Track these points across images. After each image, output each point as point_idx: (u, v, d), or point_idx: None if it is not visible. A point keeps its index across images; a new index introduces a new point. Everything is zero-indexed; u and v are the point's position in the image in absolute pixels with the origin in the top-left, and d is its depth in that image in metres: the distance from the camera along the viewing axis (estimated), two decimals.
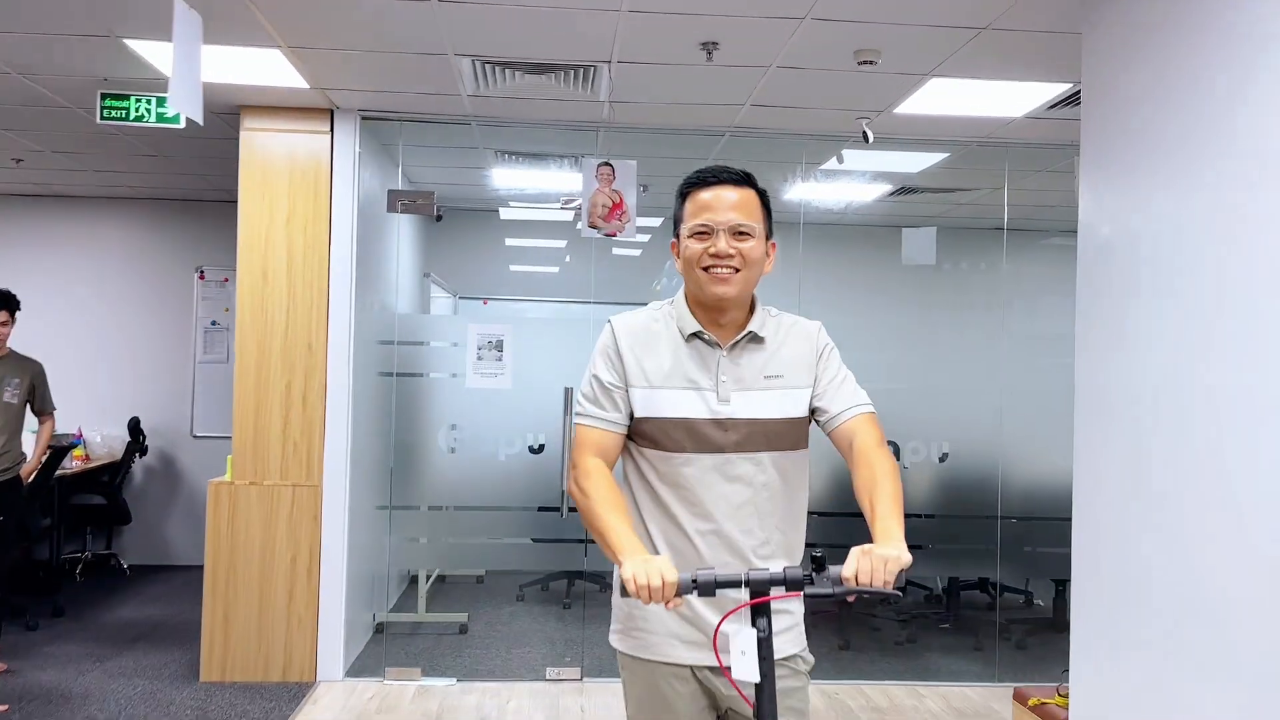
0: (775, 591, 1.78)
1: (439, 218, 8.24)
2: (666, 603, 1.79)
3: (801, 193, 6.42)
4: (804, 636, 2.28)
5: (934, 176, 6.50)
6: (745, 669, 1.78)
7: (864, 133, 5.32)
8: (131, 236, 8.49)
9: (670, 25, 4.11)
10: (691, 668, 2.15)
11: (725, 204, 2.09)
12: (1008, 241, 6.11)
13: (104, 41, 4.45)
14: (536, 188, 7.26)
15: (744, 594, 1.80)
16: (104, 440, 8.09)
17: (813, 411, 2.19)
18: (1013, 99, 4.98)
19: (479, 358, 5.55)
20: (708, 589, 1.81)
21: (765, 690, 1.81)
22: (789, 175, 6.22)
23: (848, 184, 6.79)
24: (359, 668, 5.65)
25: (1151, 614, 2.80)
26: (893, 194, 6.99)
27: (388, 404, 5.80)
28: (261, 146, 5.48)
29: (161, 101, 5.04)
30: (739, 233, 2.08)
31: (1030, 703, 3.87)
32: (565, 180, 6.64)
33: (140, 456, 8.22)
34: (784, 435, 2.16)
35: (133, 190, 8.12)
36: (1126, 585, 2.95)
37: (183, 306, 8.39)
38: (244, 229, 5.47)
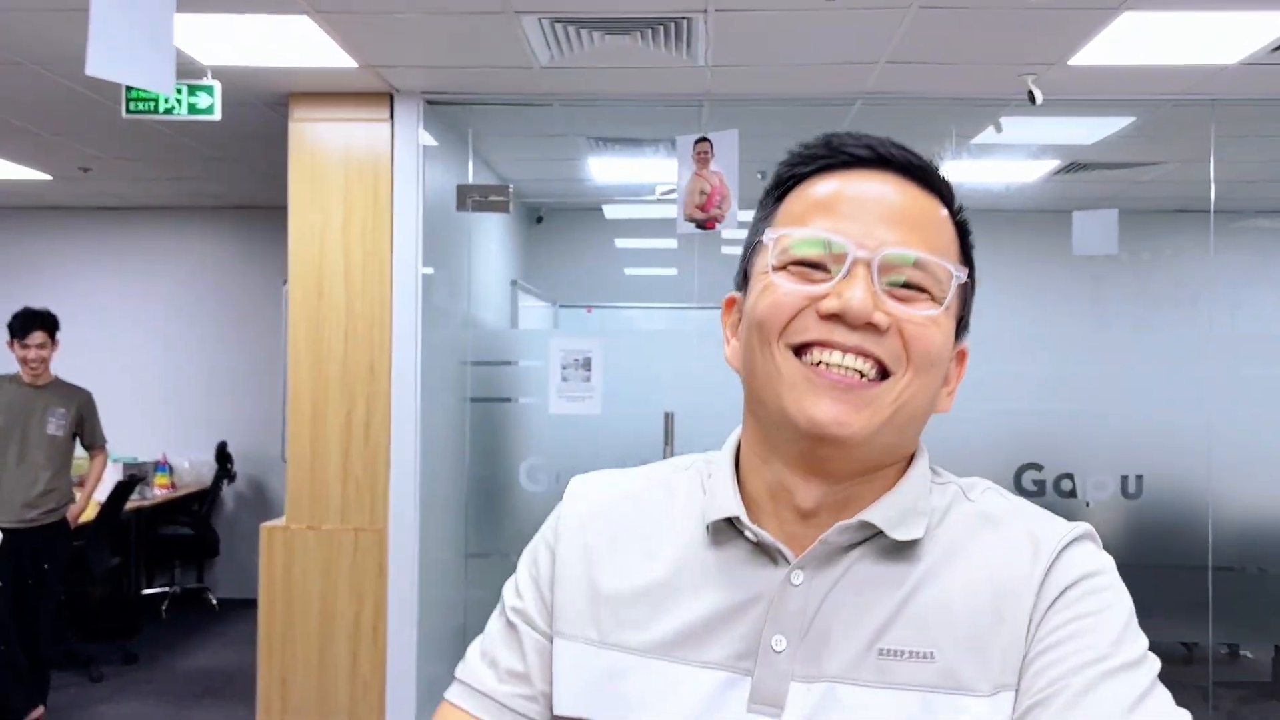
0: None
1: (539, 219, 7.57)
2: None
3: (952, 172, 5.42)
4: None
5: (1112, 148, 5.40)
6: None
7: (1030, 92, 4.33)
8: (215, 248, 8.07)
9: None
10: None
11: (880, 209, 0.95)
12: (1215, 225, 4.97)
13: None
14: (640, 179, 6.44)
15: None
16: (191, 466, 7.67)
17: None
18: (1229, 38, 3.91)
19: (563, 379, 4.73)
20: None
21: None
22: (937, 151, 5.23)
23: (1006, 161, 5.75)
24: None
25: None
26: (1060, 171, 5.90)
27: (467, 435, 5.06)
28: (312, 139, 4.81)
29: (194, 90, 4.41)
30: (904, 284, 0.93)
31: None
32: (669, 168, 5.81)
33: (229, 483, 7.78)
34: None
35: (215, 199, 7.68)
36: None
37: (271, 322, 7.86)
38: (295, 235, 4.81)
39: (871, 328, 0.88)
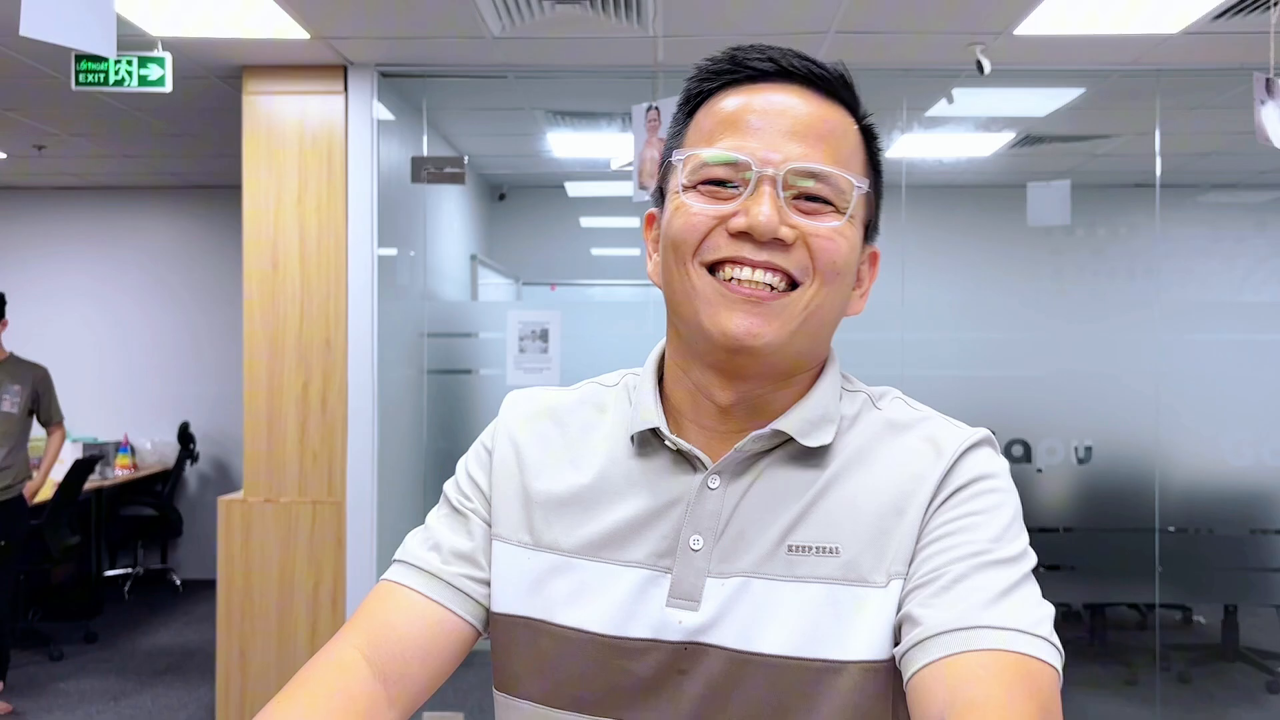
0: None
1: (502, 197, 7.57)
2: None
3: (906, 147, 5.46)
4: None
5: (1065, 120, 5.47)
6: None
7: (978, 61, 4.38)
8: (175, 228, 8.01)
9: None
10: None
11: (784, 122, 0.96)
12: (1160, 197, 5.04)
13: None
14: (600, 154, 6.44)
15: None
16: (154, 447, 7.66)
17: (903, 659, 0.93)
18: (1171, 7, 3.97)
19: (521, 350, 4.75)
20: None
21: None
22: (890, 123, 5.27)
23: (960, 134, 5.80)
24: None
25: None
26: (1016, 144, 5.97)
27: (425, 406, 5.07)
28: (266, 113, 4.79)
29: (144, 62, 4.38)
30: (809, 196, 0.95)
31: None
32: (626, 142, 5.82)
33: (192, 463, 7.75)
34: (823, 706, 0.93)
35: (174, 178, 7.63)
36: None
37: (233, 302, 7.82)
38: (249, 209, 4.81)
39: (778, 242, 0.92)
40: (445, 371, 5.10)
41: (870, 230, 1.03)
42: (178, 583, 7.64)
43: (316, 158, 4.78)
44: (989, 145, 6.04)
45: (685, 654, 0.94)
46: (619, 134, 5.86)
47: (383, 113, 4.89)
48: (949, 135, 5.80)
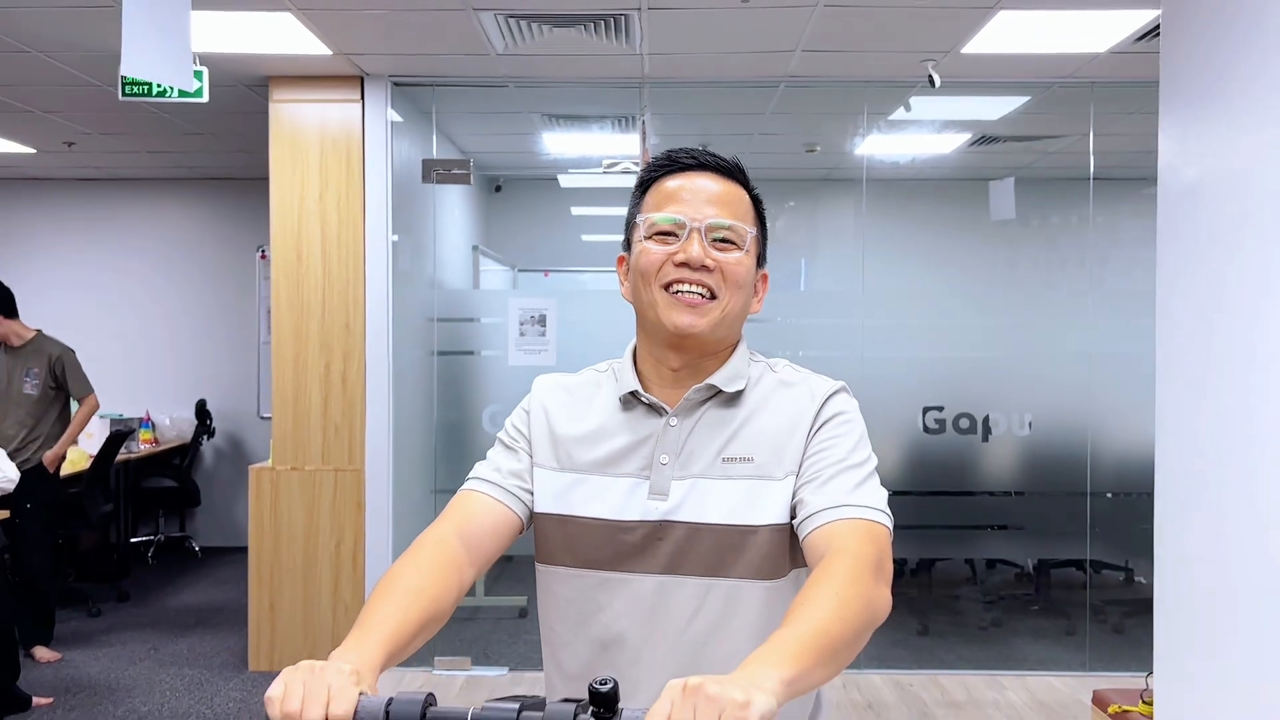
0: None
1: (498, 188, 8.05)
2: None
3: (867, 146, 5.97)
4: None
5: (1013, 124, 6.00)
6: None
7: (930, 76, 4.90)
8: (193, 217, 8.49)
9: None
10: None
11: (703, 195, 1.50)
12: (1095, 192, 5.56)
13: (115, 13, 4.27)
14: (590, 152, 6.94)
15: None
16: (173, 423, 8.13)
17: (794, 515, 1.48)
18: (1094, 31, 4.50)
19: (521, 333, 5.28)
20: None
21: None
22: (852, 128, 5.79)
23: (919, 135, 6.32)
24: (409, 659, 5.48)
25: (1246, 613, 2.39)
26: (971, 144, 6.49)
27: (435, 384, 5.59)
28: (290, 119, 5.29)
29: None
30: (720, 239, 1.48)
31: (1110, 709, 3.44)
32: (616, 142, 6.32)
33: (208, 439, 8.25)
34: (747, 554, 1.48)
35: (192, 170, 8.09)
36: (1218, 579, 2.53)
37: (246, 287, 8.33)
38: (276, 206, 5.30)
39: (704, 268, 1.45)
40: (452, 353, 5.63)
41: (760, 260, 1.56)
42: (196, 549, 8.16)
43: (336, 159, 5.28)
44: (946, 145, 6.54)
45: (660, 528, 1.48)
46: (609, 134, 6.36)
47: (394, 117, 5.39)
48: (909, 136, 6.30)
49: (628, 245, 1.57)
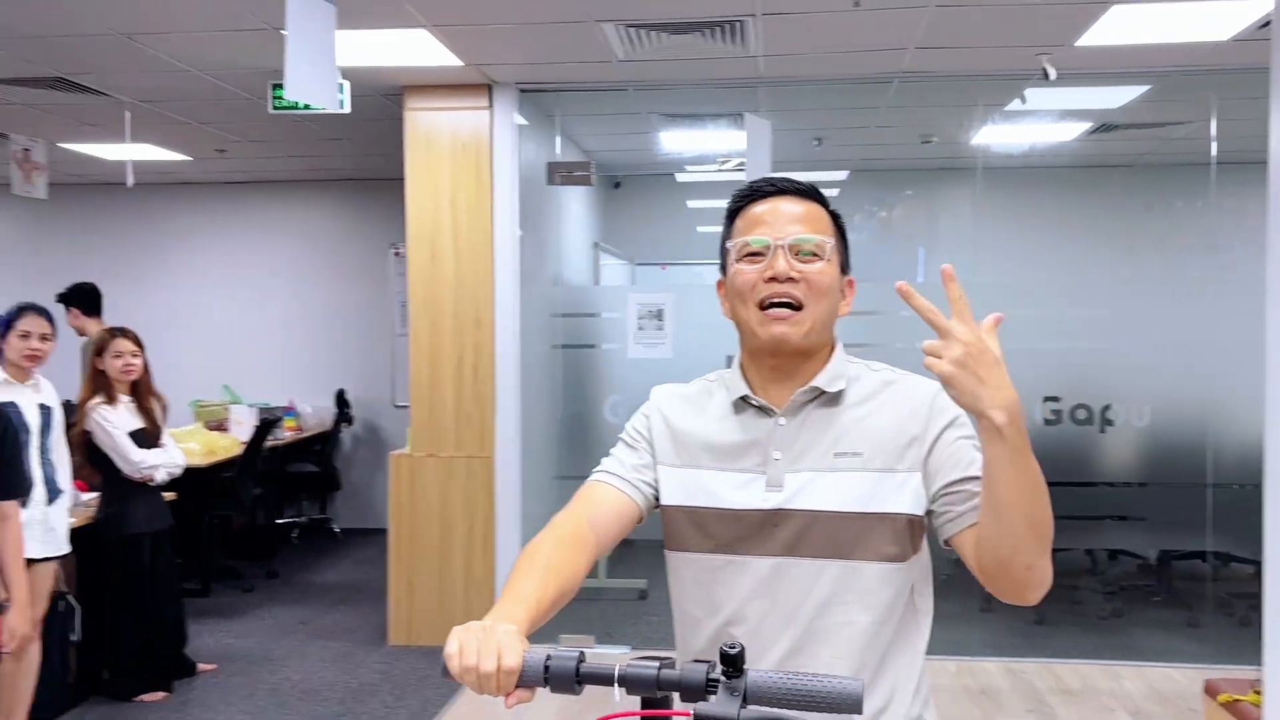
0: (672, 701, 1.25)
1: (617, 185, 8.24)
2: (506, 696, 1.28)
3: (981, 137, 5.97)
4: None
5: (1132, 112, 5.89)
6: None
7: (1044, 70, 4.88)
8: (332, 217, 8.94)
9: None
10: None
11: (785, 217, 1.64)
12: (1218, 177, 5.44)
13: (266, 35, 4.59)
14: (707, 149, 7.07)
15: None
16: (314, 411, 8.57)
17: (930, 513, 1.62)
18: (1215, 20, 4.41)
19: (639, 327, 5.46)
20: (564, 681, 1.27)
21: None
22: (966, 120, 5.79)
23: (1035, 125, 6.26)
24: (535, 635, 5.72)
25: None
26: (1090, 133, 6.39)
27: (559, 376, 5.82)
28: (424, 125, 5.57)
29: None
30: (805, 253, 1.62)
31: (1220, 699, 3.44)
32: (732, 138, 6.44)
33: (347, 426, 8.69)
34: (859, 539, 1.61)
35: (330, 173, 8.52)
36: None
37: (381, 283, 8.71)
38: (411, 209, 5.60)
39: (790, 280, 1.58)
40: (574, 346, 5.85)
41: (845, 268, 1.67)
42: (337, 530, 8.63)
43: (466, 163, 5.54)
44: (1063, 134, 6.45)
45: (776, 515, 1.60)
46: (725, 131, 6.48)
47: (520, 121, 5.62)
48: (1025, 126, 6.24)
49: (723, 269, 1.71)
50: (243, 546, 7.67)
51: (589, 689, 1.29)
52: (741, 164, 5.42)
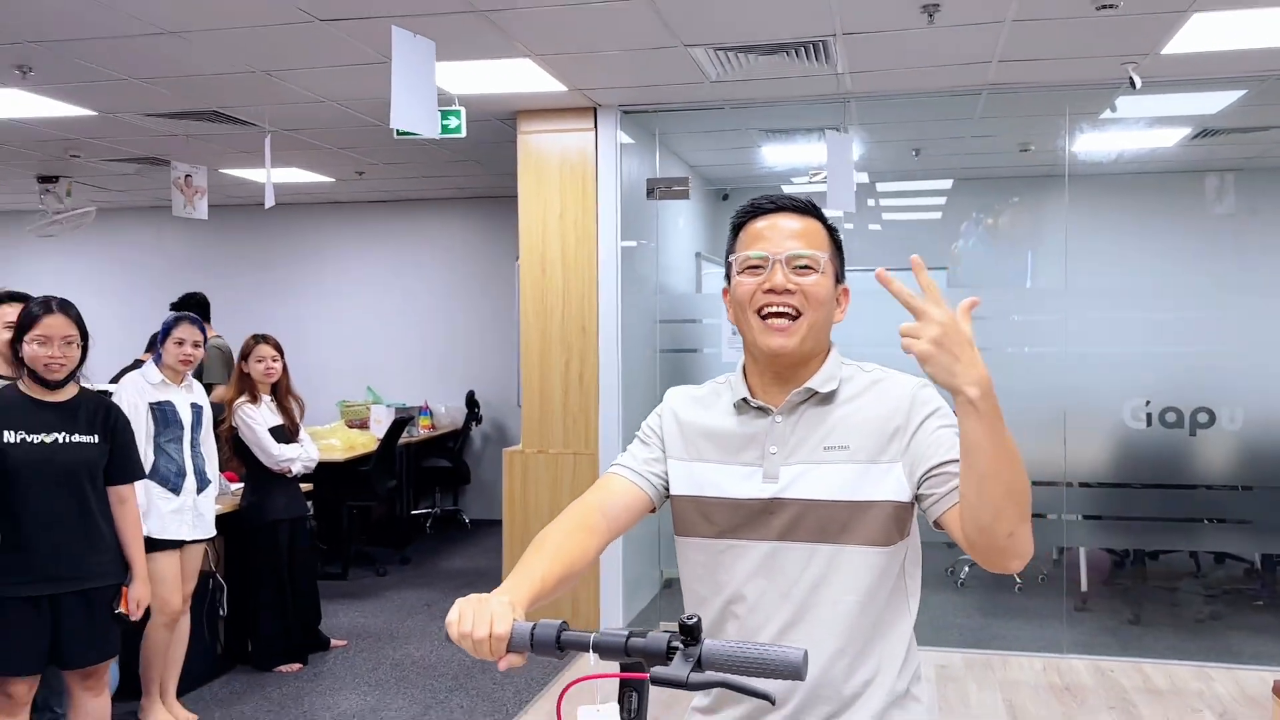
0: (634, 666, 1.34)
1: (725, 197, 8.39)
2: (498, 660, 1.39)
3: (1076, 144, 5.89)
4: None
5: (1231, 116, 5.71)
6: None
7: (1130, 78, 4.83)
8: (461, 231, 9.39)
9: None
10: None
11: (783, 232, 1.70)
12: None
13: (386, 67, 4.92)
14: (803, 161, 7.14)
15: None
16: (447, 411, 9.01)
17: (918, 498, 1.68)
18: None
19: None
20: (542, 647, 1.40)
21: None
22: (1060, 128, 5.73)
23: (1129, 131, 6.14)
24: (640, 620, 5.96)
25: None
26: (1191, 138, 6.23)
27: (659, 379, 6.02)
28: (535, 146, 5.87)
29: (446, 114, 5.49)
30: (800, 266, 1.67)
31: None
32: (818, 151, 6.52)
33: (477, 424, 9.10)
34: (847, 525, 1.68)
35: (459, 191, 8.95)
36: None
37: (507, 293, 9.05)
38: (523, 225, 5.91)
39: (787, 291, 1.66)
40: (674, 351, 6.05)
41: (839, 278, 1.72)
42: (467, 521, 9.06)
43: (573, 181, 5.81)
44: (1160, 140, 6.27)
45: (772, 504, 1.66)
46: (820, 144, 6.55)
47: (624, 138, 5.85)
48: (1118, 133, 6.10)
49: (728, 279, 1.77)
50: (380, 534, 8.15)
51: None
52: (815, 177, 5.52)
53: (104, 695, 3.76)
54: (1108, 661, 5.16)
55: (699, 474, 1.77)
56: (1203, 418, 5.31)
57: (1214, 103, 5.57)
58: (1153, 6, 4.06)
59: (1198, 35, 4.41)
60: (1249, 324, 5.39)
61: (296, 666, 5.25)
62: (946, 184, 7.89)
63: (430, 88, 3.81)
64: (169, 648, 4.49)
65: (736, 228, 1.77)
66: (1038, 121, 5.92)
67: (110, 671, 3.93)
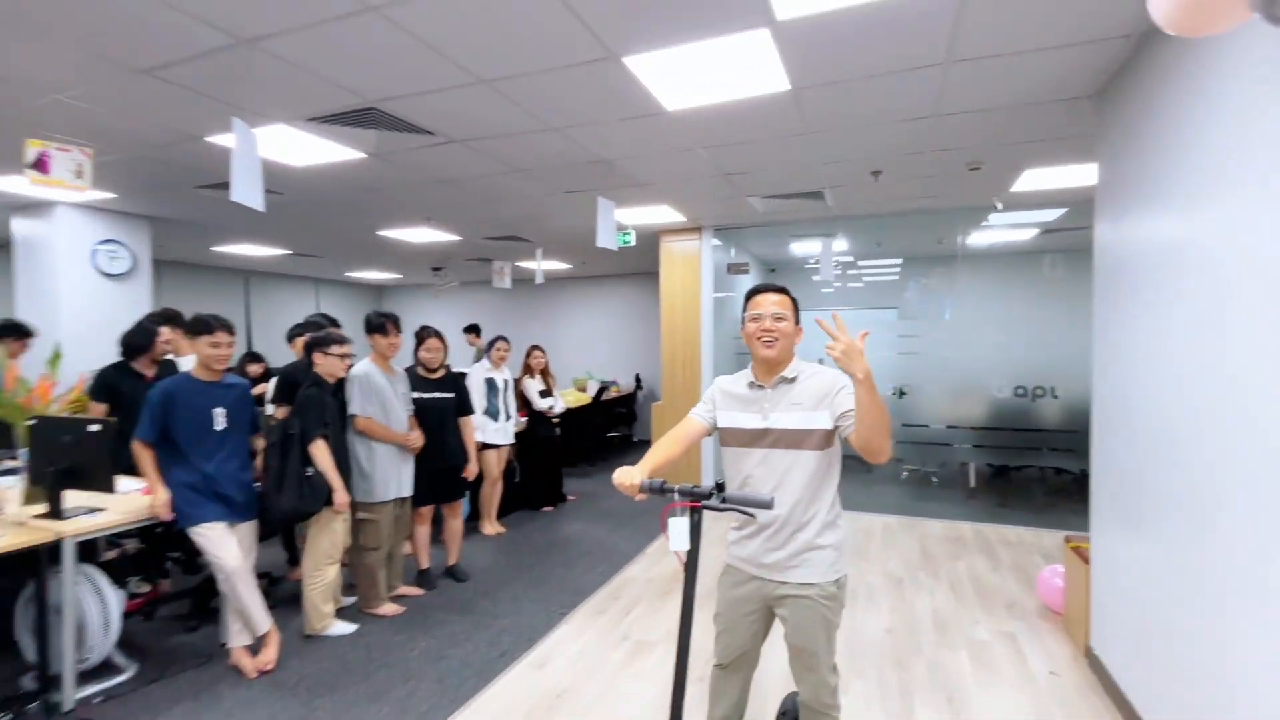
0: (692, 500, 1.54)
1: (772, 269, 8.31)
2: (635, 496, 1.60)
3: (964, 239, 5.71)
4: (832, 569, 1.79)
5: (1060, 221, 5.35)
6: (678, 542, 1.56)
7: (994, 204, 4.71)
8: (632, 290, 9.03)
9: (854, 166, 3.97)
10: (752, 576, 1.86)
11: (768, 302, 1.81)
12: None
13: (589, 197, 5.26)
14: (810, 251, 7.01)
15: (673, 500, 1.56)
16: (626, 383, 8.87)
17: (836, 428, 1.74)
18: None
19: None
20: (653, 491, 1.58)
21: (692, 558, 1.57)
22: (954, 230, 5.58)
23: (997, 230, 5.78)
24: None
25: (1149, 505, 2.30)
26: (1039, 234, 5.85)
27: (731, 371, 6.05)
28: (669, 247, 6.02)
29: (624, 234, 5.79)
30: (777, 317, 1.79)
31: (1069, 544, 3.33)
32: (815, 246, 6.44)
33: (640, 390, 8.86)
34: (804, 439, 1.76)
35: (632, 268, 8.80)
36: (1130, 477, 2.39)
37: (654, 322, 8.95)
38: (663, 287, 6.02)
39: (770, 331, 1.78)
40: (740, 354, 6.04)
41: (796, 321, 1.80)
42: (634, 439, 8.88)
43: (688, 264, 5.94)
44: (1018, 235, 5.79)
45: (765, 432, 1.78)
46: (817, 240, 6.49)
47: (715, 242, 5.96)
48: (992, 232, 5.69)
49: (743, 323, 1.86)
50: (591, 445, 8.40)
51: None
52: (817, 262, 5.51)
53: (459, 518, 3.79)
54: (983, 526, 4.96)
55: (729, 417, 1.86)
56: (1039, 391, 5.14)
57: (1048, 215, 5.32)
58: (1003, 167, 3.98)
59: (1032, 180, 4.26)
60: (1067, 338, 5.16)
61: (550, 508, 5.26)
62: (898, 261, 7.66)
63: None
64: (494, 494, 4.65)
65: (747, 298, 1.88)
66: (945, 227, 5.78)
67: (463, 504, 3.97)
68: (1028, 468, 6.11)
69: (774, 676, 2.69)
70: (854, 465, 6.48)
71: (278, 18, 2.26)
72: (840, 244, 6.23)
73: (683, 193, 4.67)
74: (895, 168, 4.01)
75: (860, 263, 7.63)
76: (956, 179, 4.26)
